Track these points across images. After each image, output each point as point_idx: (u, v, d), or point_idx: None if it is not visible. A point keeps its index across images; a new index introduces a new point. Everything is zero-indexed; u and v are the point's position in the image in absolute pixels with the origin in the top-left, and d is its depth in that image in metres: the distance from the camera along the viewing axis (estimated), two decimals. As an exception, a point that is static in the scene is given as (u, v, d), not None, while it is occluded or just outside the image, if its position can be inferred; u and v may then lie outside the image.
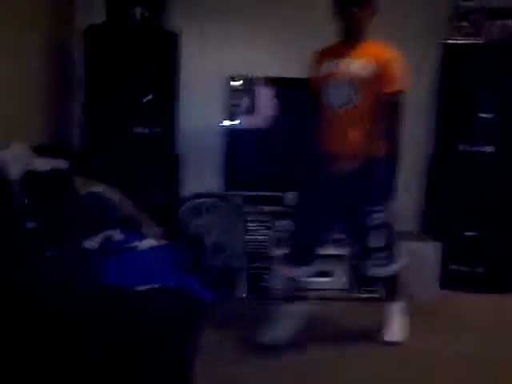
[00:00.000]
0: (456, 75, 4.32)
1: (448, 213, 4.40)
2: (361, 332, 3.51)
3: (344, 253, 4.03)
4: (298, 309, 3.46)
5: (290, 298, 3.51)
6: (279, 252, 3.95)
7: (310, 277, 3.58)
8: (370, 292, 4.08)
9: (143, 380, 2.26)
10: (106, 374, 2.20)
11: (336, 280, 4.13)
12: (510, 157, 4.29)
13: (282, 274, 3.61)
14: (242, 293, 4.10)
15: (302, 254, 3.42)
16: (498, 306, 4.03)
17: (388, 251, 3.36)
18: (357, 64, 3.15)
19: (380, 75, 3.12)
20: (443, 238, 4.22)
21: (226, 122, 4.26)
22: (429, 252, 4.17)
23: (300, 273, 3.45)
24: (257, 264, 4.12)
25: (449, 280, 4.24)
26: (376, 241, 3.27)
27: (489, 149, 4.28)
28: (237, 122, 4.26)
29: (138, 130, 4.05)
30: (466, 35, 4.27)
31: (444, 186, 4.42)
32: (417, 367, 3.10)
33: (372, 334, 3.44)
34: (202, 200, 4.49)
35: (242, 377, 2.91)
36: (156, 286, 2.62)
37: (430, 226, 4.52)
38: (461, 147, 4.32)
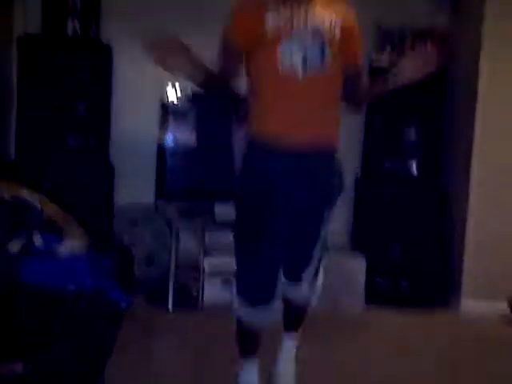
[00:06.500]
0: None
1: (374, 228, 4.51)
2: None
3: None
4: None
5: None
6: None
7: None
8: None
9: (55, 380, 2.30)
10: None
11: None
12: (432, 176, 4.46)
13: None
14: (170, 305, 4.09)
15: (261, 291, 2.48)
16: (415, 324, 4.12)
17: None
18: (321, 15, 2.25)
19: (347, 38, 2.31)
20: (370, 253, 4.32)
21: (160, 136, 4.31)
22: (355, 266, 4.27)
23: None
24: (186, 275, 4.16)
25: (374, 294, 4.34)
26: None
27: (413, 165, 4.46)
28: (169, 135, 4.31)
29: (72, 139, 4.13)
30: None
31: (370, 202, 4.53)
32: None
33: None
34: (135, 210, 4.55)
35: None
36: (71, 288, 2.69)
37: (358, 241, 4.63)
38: (386, 164, 4.46)
